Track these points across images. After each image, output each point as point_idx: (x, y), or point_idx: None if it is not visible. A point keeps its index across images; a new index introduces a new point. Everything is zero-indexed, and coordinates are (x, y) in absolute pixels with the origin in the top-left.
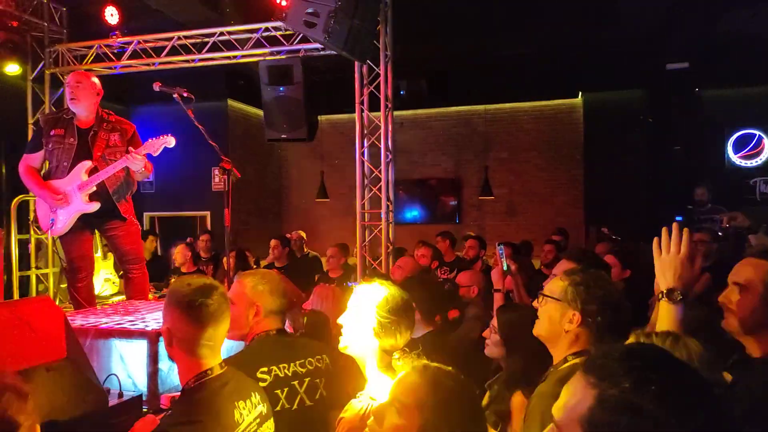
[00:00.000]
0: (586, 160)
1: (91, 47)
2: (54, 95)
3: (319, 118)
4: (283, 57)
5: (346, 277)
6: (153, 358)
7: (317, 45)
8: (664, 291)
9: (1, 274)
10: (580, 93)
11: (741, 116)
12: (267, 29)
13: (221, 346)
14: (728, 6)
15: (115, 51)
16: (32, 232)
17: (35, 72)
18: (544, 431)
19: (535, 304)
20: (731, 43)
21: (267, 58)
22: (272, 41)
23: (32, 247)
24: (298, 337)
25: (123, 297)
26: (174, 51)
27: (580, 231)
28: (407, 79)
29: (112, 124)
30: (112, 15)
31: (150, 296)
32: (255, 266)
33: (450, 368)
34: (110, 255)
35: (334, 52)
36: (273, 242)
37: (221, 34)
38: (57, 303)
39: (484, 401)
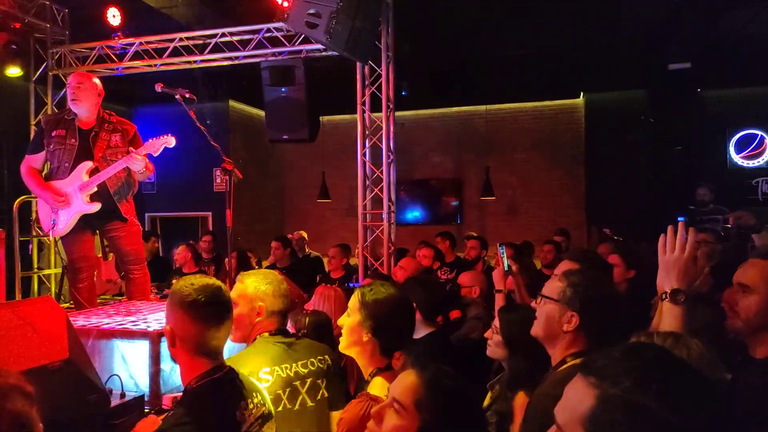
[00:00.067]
0: (588, 161)
1: (93, 48)
2: (56, 96)
3: (320, 118)
4: (285, 58)
5: (347, 277)
6: (155, 359)
7: (319, 46)
8: (668, 291)
9: (3, 274)
10: (582, 93)
11: (743, 116)
12: (269, 30)
13: (224, 347)
14: (730, 6)
15: (117, 52)
16: (33, 232)
17: (38, 73)
18: None
19: (533, 304)
20: (733, 43)
21: (269, 58)
22: (274, 42)
23: (34, 247)
24: (300, 338)
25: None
26: (176, 52)
27: (582, 231)
28: (409, 79)
29: (113, 124)
30: (114, 16)
31: (151, 296)
32: (257, 267)
33: (449, 368)
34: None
35: (336, 53)
36: (274, 243)
37: (223, 35)
38: (59, 303)
39: (486, 401)
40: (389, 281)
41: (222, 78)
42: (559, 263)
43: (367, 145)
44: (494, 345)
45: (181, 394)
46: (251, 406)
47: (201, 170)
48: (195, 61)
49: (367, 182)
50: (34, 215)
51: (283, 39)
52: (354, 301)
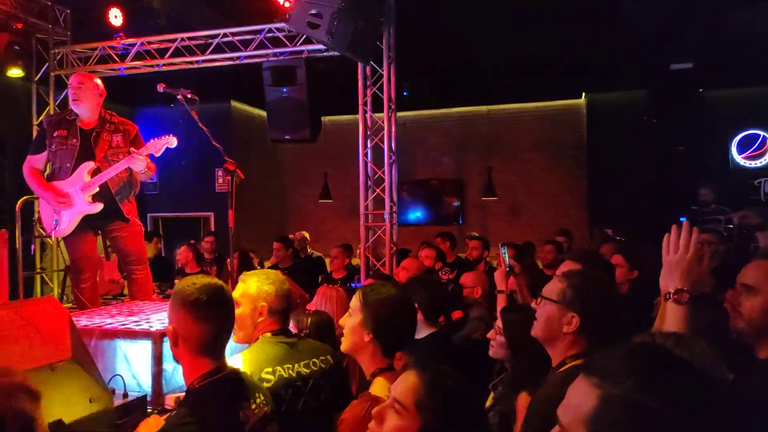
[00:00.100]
0: (590, 161)
1: (95, 49)
2: (58, 97)
3: (322, 118)
4: (287, 58)
5: (349, 277)
6: (157, 359)
7: (320, 46)
8: (672, 291)
9: (6, 274)
10: (584, 94)
11: (745, 117)
12: (270, 30)
13: (226, 347)
14: (732, 6)
15: (119, 52)
16: (36, 232)
17: (40, 74)
18: None
19: (533, 305)
20: (735, 43)
21: (270, 59)
22: (276, 42)
23: (36, 248)
24: (303, 338)
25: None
26: (178, 52)
27: (584, 232)
28: (410, 80)
29: (114, 125)
30: (116, 17)
31: (153, 296)
32: (259, 267)
33: (450, 369)
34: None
35: (338, 53)
36: (276, 244)
37: (225, 35)
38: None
39: (489, 402)
40: (391, 281)
41: (224, 78)
42: (559, 263)
43: (368, 145)
44: (497, 345)
45: (183, 394)
46: (254, 406)
47: (203, 170)
48: (197, 62)
49: (369, 182)
50: (36, 215)
51: (284, 39)
52: (355, 301)
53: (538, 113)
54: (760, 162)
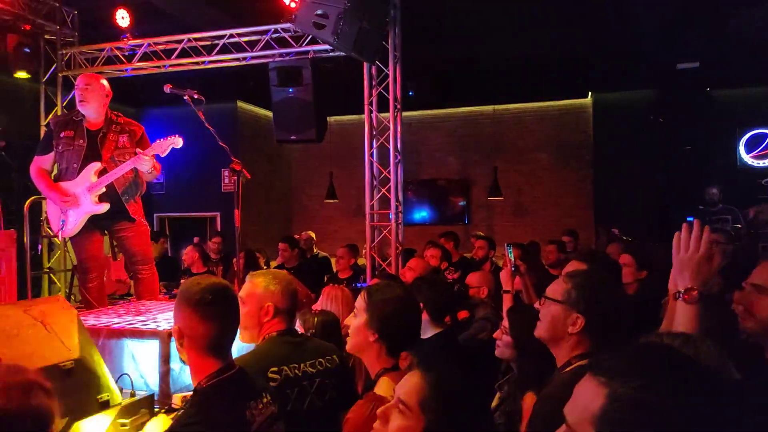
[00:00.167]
0: (596, 161)
1: (102, 50)
2: (66, 97)
3: (328, 119)
4: (293, 58)
5: (355, 277)
6: (164, 358)
7: (326, 46)
8: (682, 290)
9: (15, 274)
10: (590, 93)
11: (753, 116)
12: (276, 31)
13: (232, 346)
14: (739, 5)
15: (126, 53)
16: (43, 232)
17: (47, 75)
18: None
19: (536, 305)
20: (742, 42)
21: (276, 59)
22: (281, 43)
23: (44, 247)
24: (309, 338)
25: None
26: (184, 53)
27: (590, 232)
28: (416, 79)
29: (121, 125)
30: (122, 18)
31: (159, 296)
32: (265, 267)
33: (455, 369)
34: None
35: (343, 53)
36: (281, 245)
37: (231, 36)
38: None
39: (495, 402)
40: (396, 281)
41: (230, 79)
42: (563, 263)
43: (374, 145)
44: (503, 346)
45: (191, 393)
46: (261, 405)
47: (209, 171)
48: (203, 62)
49: (375, 182)
50: (44, 215)
51: (290, 40)
52: (360, 301)
53: (544, 113)
54: None
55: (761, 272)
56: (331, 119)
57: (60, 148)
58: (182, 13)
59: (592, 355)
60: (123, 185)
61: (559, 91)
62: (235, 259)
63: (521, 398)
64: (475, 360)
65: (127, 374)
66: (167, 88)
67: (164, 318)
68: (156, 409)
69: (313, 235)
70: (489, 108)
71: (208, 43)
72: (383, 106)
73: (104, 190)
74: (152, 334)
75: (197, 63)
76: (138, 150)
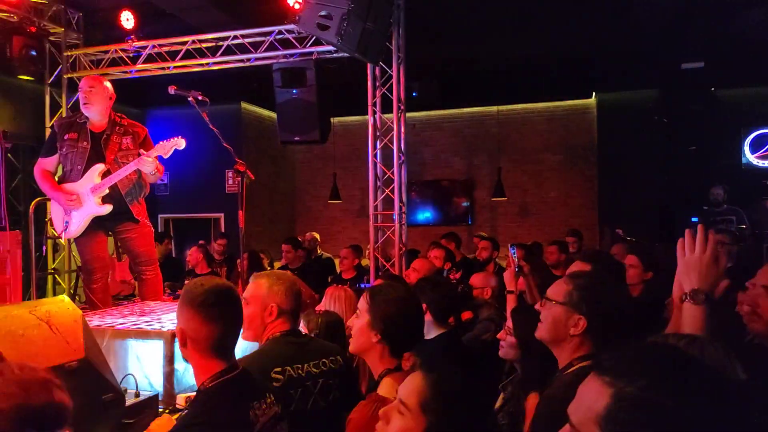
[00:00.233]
0: (600, 161)
1: (107, 52)
2: (71, 99)
3: (331, 120)
4: (296, 59)
5: (359, 278)
6: (169, 359)
7: (330, 47)
8: (688, 292)
9: (20, 274)
10: (594, 93)
11: (758, 116)
12: (280, 32)
13: (235, 347)
14: (744, 4)
15: (131, 55)
16: (48, 233)
17: (53, 76)
18: None
19: (537, 306)
20: (747, 41)
21: (280, 60)
22: (285, 44)
23: (48, 248)
24: (312, 338)
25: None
26: (188, 55)
27: (594, 232)
28: (420, 80)
29: (124, 127)
30: (127, 20)
31: (164, 297)
32: (269, 268)
33: (457, 370)
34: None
35: (347, 54)
36: (284, 246)
37: (235, 37)
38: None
39: (498, 403)
40: (399, 282)
41: (234, 80)
42: (564, 263)
43: (378, 146)
44: (507, 346)
45: (194, 393)
46: (264, 406)
47: (213, 172)
48: (207, 64)
49: (378, 183)
50: (48, 216)
51: (294, 41)
52: (363, 302)
53: (548, 113)
54: None
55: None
56: (335, 120)
57: (64, 150)
58: (186, 14)
59: (594, 356)
60: (126, 187)
61: (563, 91)
62: (239, 260)
63: (525, 399)
64: (479, 361)
65: (131, 374)
66: (172, 90)
67: (168, 319)
68: (160, 410)
69: (317, 236)
70: (493, 108)
71: (213, 44)
72: (387, 107)
73: (108, 191)
74: (156, 334)
75: (201, 64)
76: (141, 151)
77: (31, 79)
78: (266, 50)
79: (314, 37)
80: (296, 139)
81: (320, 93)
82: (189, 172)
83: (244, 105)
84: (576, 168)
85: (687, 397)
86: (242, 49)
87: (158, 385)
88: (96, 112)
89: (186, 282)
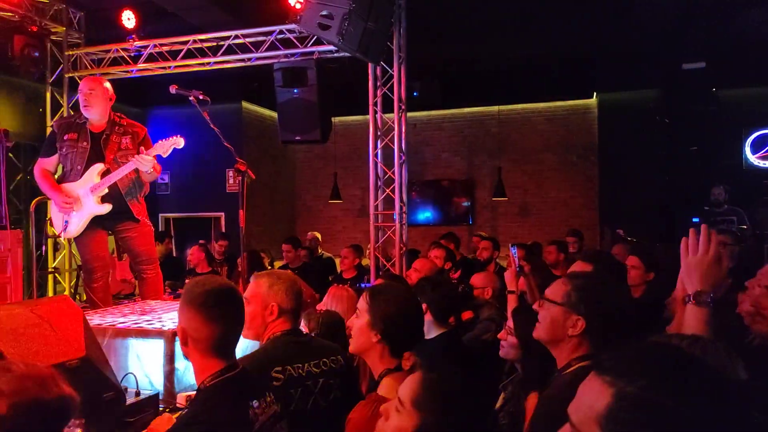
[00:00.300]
0: (601, 161)
1: (108, 51)
2: (72, 98)
3: (332, 119)
4: (297, 59)
5: (359, 278)
6: (169, 358)
7: (331, 47)
8: (692, 294)
9: (21, 273)
10: (595, 93)
11: (759, 116)
12: (281, 32)
13: (236, 346)
14: (744, 5)
15: (132, 54)
16: (47, 232)
17: (54, 76)
18: None
19: (535, 306)
20: (748, 42)
21: (281, 60)
22: (286, 44)
23: (49, 247)
24: (313, 338)
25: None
26: (189, 54)
27: (595, 232)
28: (420, 80)
29: (123, 127)
30: (129, 19)
31: (164, 296)
32: (269, 267)
33: (456, 370)
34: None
35: (348, 54)
36: (284, 246)
37: (236, 37)
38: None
39: (499, 402)
40: (399, 281)
41: (235, 79)
42: (562, 263)
43: (378, 145)
44: (507, 346)
45: (194, 392)
46: (264, 405)
47: (214, 171)
48: (208, 63)
49: (379, 183)
50: (48, 216)
51: (295, 40)
52: (362, 302)
53: (548, 113)
54: None
55: None
56: (336, 120)
57: (64, 150)
58: (188, 14)
59: (593, 356)
60: (126, 185)
61: (564, 91)
62: (239, 260)
63: (525, 399)
64: (479, 361)
65: (132, 373)
66: (173, 89)
67: (169, 318)
68: (160, 408)
69: (318, 235)
70: (494, 108)
71: (214, 44)
72: (388, 107)
73: (107, 190)
74: (157, 333)
75: (203, 64)
76: (141, 149)
77: (33, 78)
78: (267, 50)
79: (315, 37)
80: (297, 138)
81: (321, 93)
82: (190, 172)
83: (245, 104)
84: (577, 168)
85: (688, 397)
86: (243, 48)
87: (159, 384)
88: (96, 113)
89: (186, 281)
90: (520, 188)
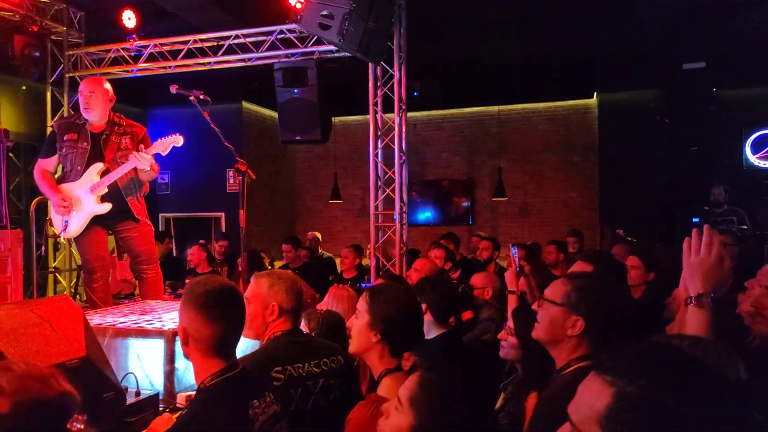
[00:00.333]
0: (601, 161)
1: (108, 51)
2: (72, 98)
3: (333, 119)
4: (298, 59)
5: (359, 278)
6: (169, 358)
7: (332, 47)
8: (693, 296)
9: (21, 273)
10: (595, 93)
11: (759, 116)
12: (282, 32)
13: (237, 346)
14: (745, 5)
15: (132, 54)
16: (49, 232)
17: (54, 75)
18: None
19: (534, 306)
20: (748, 42)
21: (281, 60)
22: (287, 43)
23: (49, 247)
24: (314, 338)
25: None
26: (190, 54)
27: (595, 232)
28: (421, 80)
29: (123, 127)
30: (129, 19)
31: (164, 295)
32: (269, 267)
33: (456, 370)
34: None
35: (349, 54)
36: (284, 246)
37: (236, 36)
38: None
39: (499, 402)
40: (399, 281)
41: (235, 79)
42: (562, 263)
43: (379, 145)
44: (508, 346)
45: (194, 392)
46: (264, 405)
47: (214, 171)
48: (209, 63)
49: (379, 183)
50: (48, 215)
51: (295, 40)
52: (362, 302)
53: (549, 113)
54: None
55: None
56: (336, 120)
57: (64, 150)
58: (188, 14)
59: (592, 356)
60: (124, 184)
61: (565, 91)
62: (239, 260)
63: (525, 399)
64: (480, 361)
65: (132, 373)
66: (173, 89)
67: (169, 317)
68: (160, 408)
69: (318, 235)
70: (494, 108)
71: (214, 44)
72: (388, 107)
73: (107, 190)
74: (157, 333)
75: (203, 64)
76: (141, 147)
77: (33, 78)
78: (268, 50)
79: (316, 37)
80: (297, 138)
81: (321, 92)
82: (190, 172)
83: (246, 104)
84: (577, 168)
85: (688, 397)
86: (244, 48)
87: (159, 384)
88: (96, 115)
89: (187, 281)
90: (520, 188)
